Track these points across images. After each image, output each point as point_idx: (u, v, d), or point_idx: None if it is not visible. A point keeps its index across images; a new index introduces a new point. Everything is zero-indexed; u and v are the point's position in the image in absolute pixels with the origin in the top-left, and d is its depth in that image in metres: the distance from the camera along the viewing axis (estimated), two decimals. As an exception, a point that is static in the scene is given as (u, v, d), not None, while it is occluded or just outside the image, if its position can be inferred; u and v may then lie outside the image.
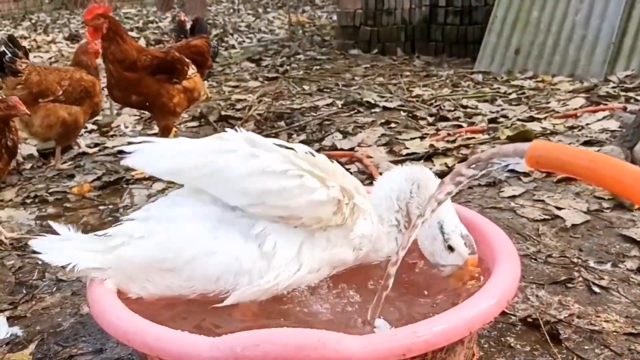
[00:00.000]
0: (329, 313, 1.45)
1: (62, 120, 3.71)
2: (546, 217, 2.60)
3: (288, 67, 7.13)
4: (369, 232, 1.60)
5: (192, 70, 3.92)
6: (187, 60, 3.91)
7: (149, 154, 1.60)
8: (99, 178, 3.62)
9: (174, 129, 4.15)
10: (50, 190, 3.48)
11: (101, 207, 3.17)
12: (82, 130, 4.32)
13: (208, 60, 4.21)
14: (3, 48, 3.56)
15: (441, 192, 1.32)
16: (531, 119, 4.27)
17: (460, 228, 1.60)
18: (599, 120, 3.97)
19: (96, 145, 4.32)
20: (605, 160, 0.99)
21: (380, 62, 7.29)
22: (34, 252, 1.56)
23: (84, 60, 4.02)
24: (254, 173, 1.46)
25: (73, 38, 10.30)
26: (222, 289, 1.44)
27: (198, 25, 4.50)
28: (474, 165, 1.21)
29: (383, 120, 4.47)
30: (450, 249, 1.58)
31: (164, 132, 3.89)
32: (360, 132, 4.20)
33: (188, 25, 5.65)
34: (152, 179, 3.58)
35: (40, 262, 2.52)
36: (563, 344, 1.76)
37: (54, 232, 1.62)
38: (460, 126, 4.24)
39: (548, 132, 3.90)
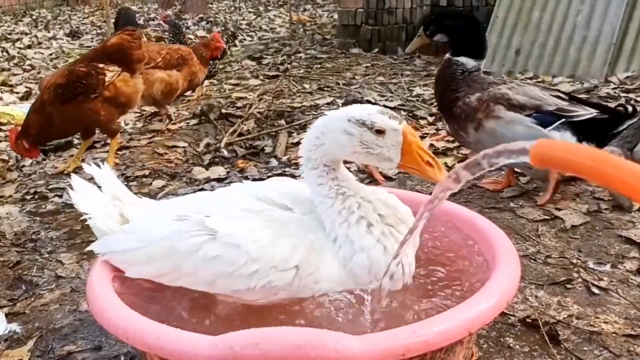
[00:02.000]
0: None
1: (160, 79, 4.34)
2: (546, 217, 2.60)
3: (289, 66, 7.13)
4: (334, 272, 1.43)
5: (111, 73, 3.60)
6: (99, 66, 3.58)
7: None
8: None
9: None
10: (50, 187, 3.48)
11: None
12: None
13: (134, 55, 3.69)
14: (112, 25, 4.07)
15: (442, 190, 1.32)
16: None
17: (371, 108, 1.44)
18: (599, 121, 3.96)
19: (97, 142, 4.32)
20: (609, 159, 0.99)
21: (380, 62, 7.28)
22: (70, 186, 1.62)
23: (201, 51, 4.65)
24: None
25: (74, 35, 10.29)
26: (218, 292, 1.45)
27: (122, 19, 4.05)
28: (479, 163, 1.20)
29: (383, 120, 4.46)
30: (380, 132, 1.40)
31: (112, 134, 3.79)
32: (361, 131, 4.19)
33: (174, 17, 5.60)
34: (152, 177, 3.58)
35: (39, 259, 2.52)
36: (562, 345, 1.76)
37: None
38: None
39: (548, 132, 3.89)
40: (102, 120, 3.65)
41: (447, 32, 2.92)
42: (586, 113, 2.64)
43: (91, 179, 1.67)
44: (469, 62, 2.83)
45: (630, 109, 2.66)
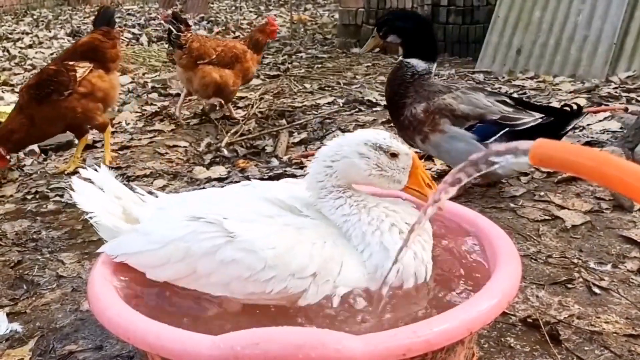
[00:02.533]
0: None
1: (214, 82, 4.54)
2: (546, 217, 2.60)
3: (289, 65, 7.13)
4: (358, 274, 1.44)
5: (82, 69, 3.59)
6: (69, 64, 3.59)
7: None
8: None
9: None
10: (51, 186, 3.48)
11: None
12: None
13: (106, 53, 3.68)
14: (169, 26, 4.39)
15: (440, 193, 1.32)
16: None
17: (384, 133, 1.51)
18: (600, 121, 3.96)
19: (98, 141, 4.32)
20: (609, 159, 0.99)
21: (381, 61, 7.28)
22: (71, 187, 1.60)
23: (257, 37, 4.79)
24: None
25: (75, 34, 10.29)
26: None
27: (99, 18, 3.90)
28: (479, 162, 1.21)
29: (384, 119, 4.46)
30: (394, 155, 1.48)
31: (101, 129, 3.80)
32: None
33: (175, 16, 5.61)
34: (152, 176, 3.58)
35: (40, 258, 2.53)
36: (563, 345, 1.76)
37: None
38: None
39: (549, 132, 3.89)
40: (81, 117, 3.63)
41: (398, 33, 2.91)
42: (530, 120, 2.66)
43: (91, 181, 1.66)
44: (419, 64, 2.83)
45: (575, 107, 2.70)
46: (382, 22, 3.01)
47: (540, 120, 2.66)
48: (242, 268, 1.37)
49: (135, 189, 1.69)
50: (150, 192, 1.68)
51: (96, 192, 1.61)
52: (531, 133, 2.59)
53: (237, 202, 1.55)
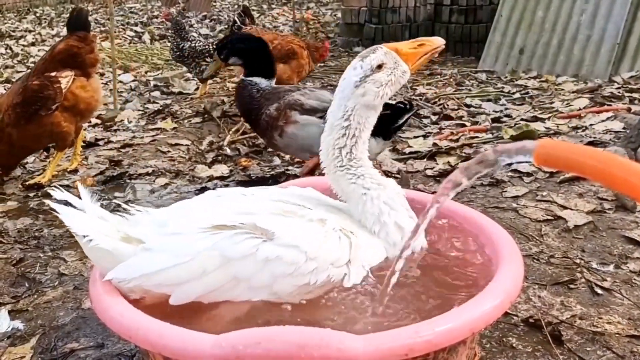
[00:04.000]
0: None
1: None
2: (549, 217, 2.59)
3: (292, 64, 7.12)
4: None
5: (65, 79, 3.48)
6: (51, 75, 3.45)
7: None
8: (102, 172, 3.62)
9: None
10: (53, 184, 3.48)
11: (104, 202, 3.17)
12: (87, 125, 4.34)
13: (85, 59, 3.57)
14: (235, 18, 4.58)
15: (444, 191, 1.32)
16: (535, 118, 4.26)
17: (355, 62, 1.60)
18: (602, 121, 3.96)
19: (100, 139, 4.32)
20: (613, 159, 0.99)
21: (384, 60, 7.26)
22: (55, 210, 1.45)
23: (314, 51, 4.92)
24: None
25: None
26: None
27: (72, 21, 3.71)
28: (483, 162, 1.21)
29: (386, 118, 4.46)
30: (380, 66, 1.55)
31: (62, 149, 3.64)
32: (364, 129, 4.19)
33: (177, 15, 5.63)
34: (155, 174, 3.58)
35: (42, 256, 2.53)
36: (565, 345, 1.76)
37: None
38: (464, 125, 4.24)
39: (552, 132, 3.89)
40: (64, 132, 3.51)
41: (239, 55, 3.11)
42: None
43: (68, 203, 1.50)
44: (262, 81, 3.05)
45: (407, 104, 2.94)
46: (222, 45, 3.18)
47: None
48: (286, 264, 1.37)
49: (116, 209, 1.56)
50: (124, 209, 1.54)
51: (81, 215, 1.45)
52: (377, 127, 2.82)
53: (246, 206, 1.52)
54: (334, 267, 1.42)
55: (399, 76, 1.58)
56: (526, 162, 1.12)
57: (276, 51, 4.59)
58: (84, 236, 1.37)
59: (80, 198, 1.47)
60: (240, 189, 1.71)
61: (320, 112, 2.88)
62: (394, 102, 2.94)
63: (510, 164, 1.18)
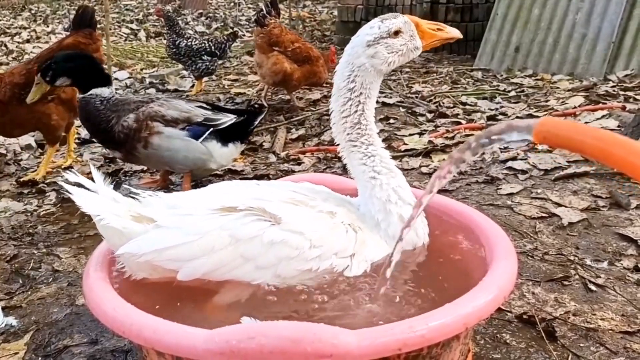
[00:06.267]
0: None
1: (284, 71, 4.72)
2: (543, 214, 2.60)
3: (288, 62, 7.11)
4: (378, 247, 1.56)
5: None
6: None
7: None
8: (97, 169, 3.60)
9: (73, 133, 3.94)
10: (48, 181, 3.47)
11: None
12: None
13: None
14: (263, 7, 4.82)
15: (443, 170, 1.33)
16: (530, 116, 4.26)
17: (373, 22, 1.60)
18: (598, 119, 3.97)
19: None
20: (614, 138, 0.98)
21: (380, 58, 7.26)
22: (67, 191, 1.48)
23: (327, 60, 5.08)
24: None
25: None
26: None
27: (78, 19, 3.76)
28: (485, 139, 1.20)
29: (382, 116, 4.46)
30: (397, 32, 1.55)
31: (52, 143, 3.67)
32: (359, 127, 4.18)
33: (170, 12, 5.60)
34: (149, 170, 3.58)
35: (36, 253, 2.52)
36: (558, 342, 1.76)
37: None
38: (459, 123, 4.24)
39: (547, 130, 3.89)
40: (52, 125, 3.53)
41: (67, 75, 2.99)
42: (227, 120, 3.06)
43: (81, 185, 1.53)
44: (103, 91, 2.96)
45: (257, 107, 3.14)
46: (46, 67, 3.02)
47: (235, 119, 3.07)
48: (291, 248, 1.41)
49: (129, 191, 1.61)
50: (134, 194, 1.57)
51: (93, 195, 1.50)
52: (231, 130, 3.06)
53: (258, 193, 1.55)
54: (338, 257, 1.45)
55: (410, 49, 1.58)
56: (526, 139, 1.12)
57: (295, 53, 4.82)
58: (96, 215, 1.43)
59: (93, 181, 1.51)
60: (255, 180, 1.75)
61: (182, 123, 2.95)
62: (245, 108, 3.15)
63: (511, 142, 1.17)
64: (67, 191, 1.46)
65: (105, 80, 2.99)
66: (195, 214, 1.47)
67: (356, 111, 1.59)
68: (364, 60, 1.56)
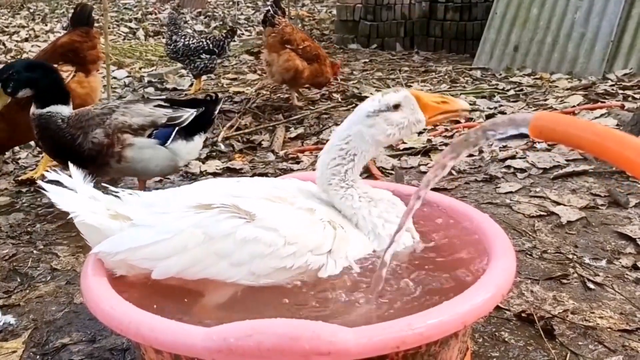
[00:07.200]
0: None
1: (295, 68, 4.76)
2: (542, 213, 2.60)
3: (287, 61, 7.10)
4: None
5: (65, 74, 3.42)
6: (54, 67, 3.17)
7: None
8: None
9: None
10: (46, 180, 3.46)
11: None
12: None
13: (87, 55, 3.59)
14: (269, 7, 4.82)
15: (441, 164, 1.33)
16: (529, 115, 4.26)
17: (375, 96, 1.60)
18: (596, 117, 3.96)
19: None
20: (610, 133, 0.97)
21: (379, 57, 7.27)
22: (44, 189, 1.52)
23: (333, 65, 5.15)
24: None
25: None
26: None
27: (77, 16, 3.71)
28: (482, 132, 1.20)
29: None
30: (397, 106, 1.55)
31: None
32: (358, 126, 4.19)
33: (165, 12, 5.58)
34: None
35: (34, 251, 2.52)
36: (557, 340, 1.76)
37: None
38: (458, 122, 4.24)
39: (546, 129, 3.89)
40: None
41: (30, 86, 2.74)
42: (189, 115, 2.95)
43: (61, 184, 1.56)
44: (63, 109, 2.77)
45: (214, 96, 3.07)
46: (7, 78, 2.75)
47: (195, 112, 2.97)
48: (264, 245, 1.40)
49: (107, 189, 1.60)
50: (114, 192, 1.58)
51: (71, 194, 1.53)
52: (195, 124, 2.97)
53: (235, 190, 1.55)
54: (313, 254, 1.44)
55: (412, 122, 1.58)
56: (523, 134, 1.11)
57: (305, 51, 4.85)
58: (72, 212, 1.45)
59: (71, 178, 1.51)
60: (236, 178, 1.74)
61: (149, 129, 2.85)
62: (201, 98, 3.08)
63: (507, 137, 1.17)
64: (43, 189, 1.48)
65: (65, 98, 2.80)
66: (170, 212, 1.47)
67: (345, 169, 1.60)
68: (362, 128, 1.58)
